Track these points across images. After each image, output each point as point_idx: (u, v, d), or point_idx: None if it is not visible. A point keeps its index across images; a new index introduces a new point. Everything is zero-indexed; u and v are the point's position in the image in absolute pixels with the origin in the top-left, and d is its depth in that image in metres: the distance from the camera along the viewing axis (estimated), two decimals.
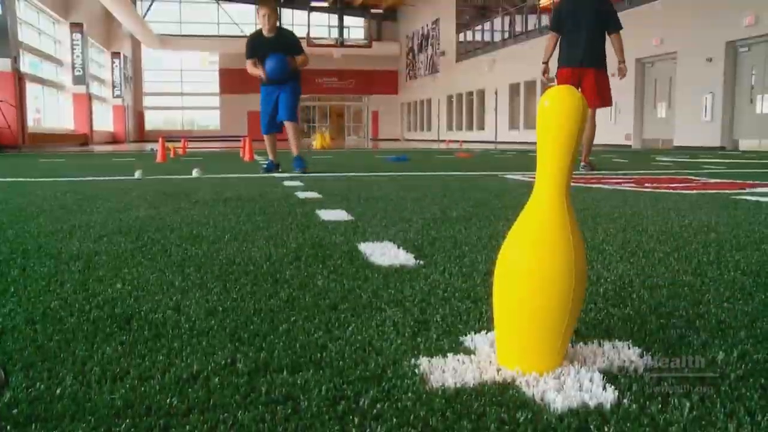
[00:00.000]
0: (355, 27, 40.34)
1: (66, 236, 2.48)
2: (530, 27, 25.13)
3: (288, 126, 6.50)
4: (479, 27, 30.24)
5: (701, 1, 15.55)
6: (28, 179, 5.80)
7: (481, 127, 29.29)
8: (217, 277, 1.77)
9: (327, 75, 38.73)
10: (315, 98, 41.16)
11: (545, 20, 23.86)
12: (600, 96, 6.67)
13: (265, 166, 6.73)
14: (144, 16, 33.90)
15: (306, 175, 6.14)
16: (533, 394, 0.97)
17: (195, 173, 6.18)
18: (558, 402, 0.94)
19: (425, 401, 0.95)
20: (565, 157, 1.00)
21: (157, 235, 2.51)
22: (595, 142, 7.50)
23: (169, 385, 1.01)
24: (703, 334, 1.25)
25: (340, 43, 36.45)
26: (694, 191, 4.37)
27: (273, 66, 6.16)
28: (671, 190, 4.43)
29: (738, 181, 5.23)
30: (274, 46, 6.26)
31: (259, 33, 6.39)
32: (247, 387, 1.00)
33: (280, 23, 6.58)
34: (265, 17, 6.22)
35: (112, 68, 32.67)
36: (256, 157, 10.03)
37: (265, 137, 6.70)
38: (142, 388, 1.00)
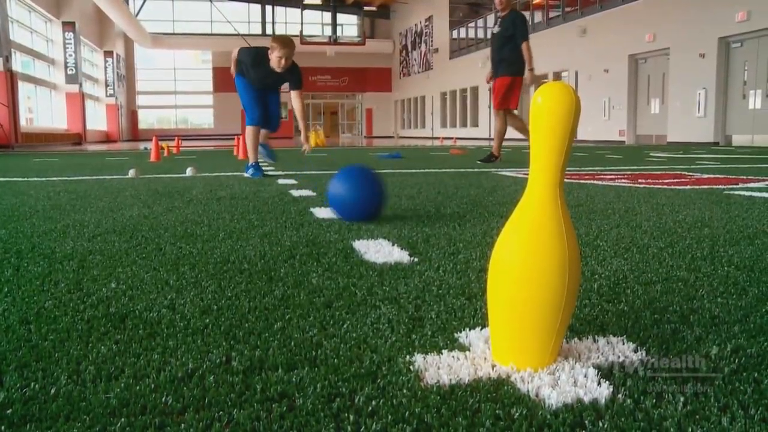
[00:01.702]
0: (349, 25, 40.29)
1: (60, 236, 2.48)
2: None
3: (268, 133, 6.22)
4: (472, 24, 30.25)
5: None
6: (21, 179, 5.77)
7: (475, 124, 29.31)
8: (211, 276, 1.77)
9: (320, 73, 38.70)
10: (309, 96, 41.10)
11: (538, 17, 23.88)
12: None
13: (253, 171, 5.82)
14: (136, 15, 33.76)
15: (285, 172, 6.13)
16: (528, 390, 0.97)
17: (188, 172, 6.17)
18: (553, 398, 0.94)
19: (420, 398, 0.96)
20: (558, 154, 1.00)
21: (151, 233, 2.51)
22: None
23: (164, 383, 1.01)
24: (697, 329, 1.26)
25: (334, 40, 36.37)
26: (688, 187, 4.39)
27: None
28: (665, 186, 4.44)
29: (731, 177, 5.25)
30: (275, 79, 5.68)
31: (265, 57, 5.52)
32: (242, 385, 1.00)
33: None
34: (281, 60, 5.43)
35: (105, 67, 32.56)
36: (255, 162, 9.99)
37: (253, 130, 5.87)
38: (137, 387, 1.00)
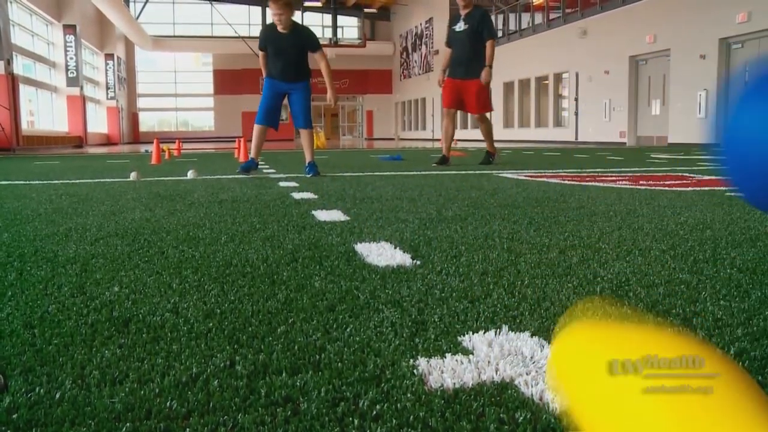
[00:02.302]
0: (349, 27, 40.34)
1: (62, 239, 2.48)
2: (524, 25, 25.15)
3: (303, 133, 6.25)
4: None
5: None
6: (23, 182, 5.78)
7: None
8: (214, 279, 1.77)
9: (321, 75, 38.68)
10: None
11: (539, 18, 23.90)
12: None
13: (243, 165, 6.18)
14: (137, 18, 33.79)
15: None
16: (532, 394, 0.97)
17: (190, 175, 6.17)
18: (557, 401, 0.94)
19: (424, 402, 0.96)
20: None
21: (153, 237, 2.51)
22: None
23: (169, 388, 1.01)
24: (699, 332, 1.26)
25: (334, 42, 36.38)
26: (689, 188, 4.39)
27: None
28: (666, 188, 4.44)
29: None
30: (289, 44, 5.98)
31: (273, 27, 5.98)
32: (246, 389, 1.01)
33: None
34: (278, 17, 5.79)
35: (106, 70, 32.58)
36: (250, 157, 10.00)
37: (258, 129, 6.23)
38: (142, 392, 1.00)
